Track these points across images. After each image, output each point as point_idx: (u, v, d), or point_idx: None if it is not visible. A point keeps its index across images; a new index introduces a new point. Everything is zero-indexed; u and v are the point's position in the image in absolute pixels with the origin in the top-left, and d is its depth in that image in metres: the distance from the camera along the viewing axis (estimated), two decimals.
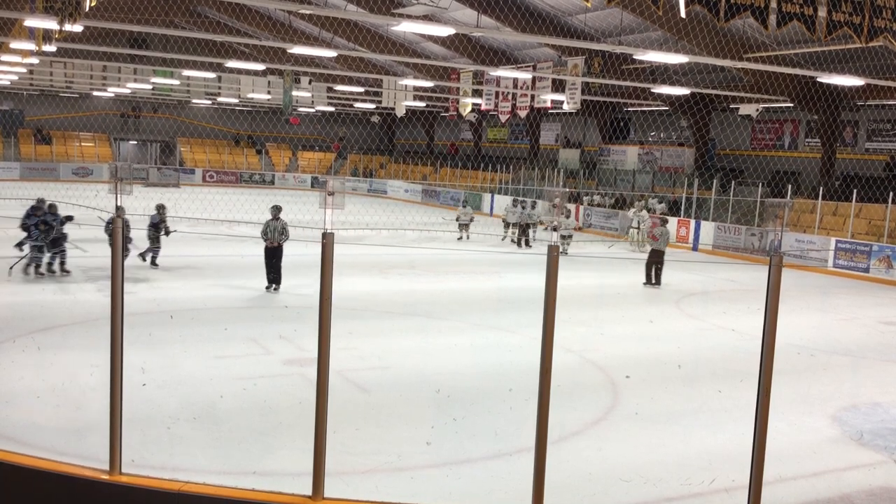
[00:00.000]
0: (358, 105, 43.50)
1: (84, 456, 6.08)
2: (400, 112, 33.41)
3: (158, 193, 30.18)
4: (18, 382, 8.34)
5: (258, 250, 14.38)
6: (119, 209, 13.90)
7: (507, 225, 24.37)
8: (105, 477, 5.42)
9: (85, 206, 17.68)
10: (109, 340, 5.38)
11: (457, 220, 24.49)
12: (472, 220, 24.51)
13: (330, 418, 5.20)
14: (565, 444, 7.27)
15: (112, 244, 5.33)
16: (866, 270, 20.19)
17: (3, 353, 9.46)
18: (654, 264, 16.92)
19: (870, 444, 7.81)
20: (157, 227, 15.98)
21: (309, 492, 5.25)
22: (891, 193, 20.85)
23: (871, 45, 12.26)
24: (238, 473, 6.22)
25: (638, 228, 23.93)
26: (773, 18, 11.33)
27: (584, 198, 31.37)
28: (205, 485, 5.50)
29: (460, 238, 23.94)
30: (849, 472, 7.04)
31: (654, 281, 16.87)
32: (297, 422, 7.41)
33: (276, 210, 14.27)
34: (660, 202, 28.17)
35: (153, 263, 15.92)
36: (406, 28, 17.17)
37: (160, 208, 16.24)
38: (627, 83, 25.09)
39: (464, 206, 24.97)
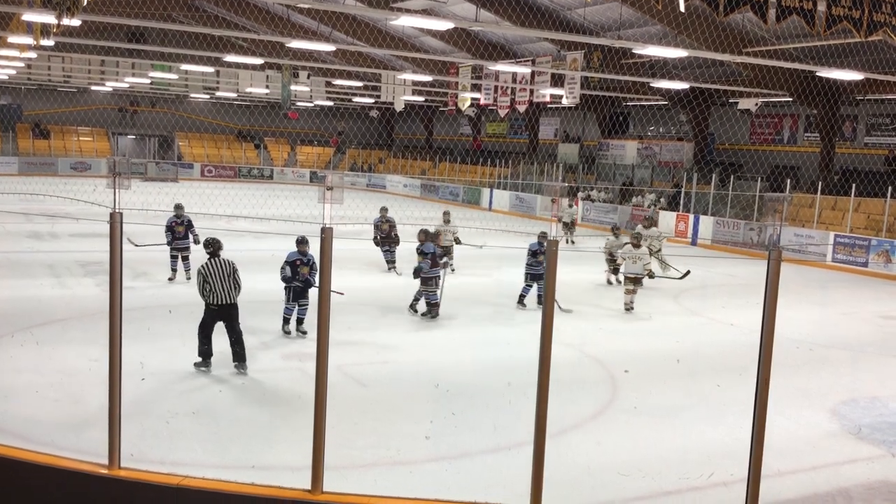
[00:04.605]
0: (357, 100, 43.41)
1: (83, 450, 6.08)
2: (399, 106, 33.37)
3: (157, 188, 30.13)
4: (17, 377, 8.34)
5: (256, 245, 14.17)
6: (178, 206, 14.03)
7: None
8: (104, 471, 5.43)
9: (83, 200, 17.61)
10: (108, 335, 5.38)
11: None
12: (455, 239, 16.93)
13: (329, 413, 5.21)
14: (564, 438, 7.27)
15: (111, 239, 5.32)
16: (865, 265, 20.20)
17: (2, 347, 9.46)
18: None
19: (868, 438, 7.82)
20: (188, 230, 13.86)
21: (308, 486, 5.26)
22: (889, 188, 20.85)
23: (870, 39, 12.25)
24: (237, 467, 6.22)
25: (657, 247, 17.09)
26: (772, 13, 11.32)
27: (579, 193, 31.03)
28: (204, 479, 5.51)
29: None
30: (847, 466, 7.05)
31: None
32: (296, 416, 7.42)
33: (214, 245, 9.02)
34: (659, 197, 28.15)
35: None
36: (405, 22, 17.15)
37: (178, 208, 14.16)
38: (626, 77, 25.06)
39: (446, 222, 16.69)
